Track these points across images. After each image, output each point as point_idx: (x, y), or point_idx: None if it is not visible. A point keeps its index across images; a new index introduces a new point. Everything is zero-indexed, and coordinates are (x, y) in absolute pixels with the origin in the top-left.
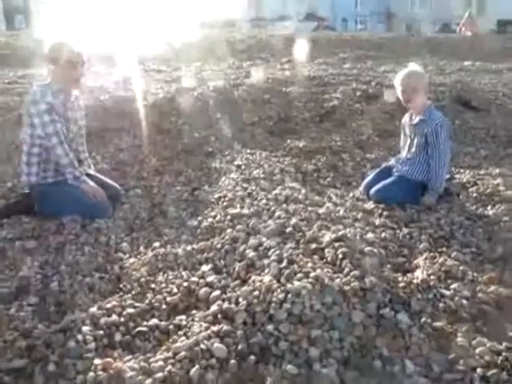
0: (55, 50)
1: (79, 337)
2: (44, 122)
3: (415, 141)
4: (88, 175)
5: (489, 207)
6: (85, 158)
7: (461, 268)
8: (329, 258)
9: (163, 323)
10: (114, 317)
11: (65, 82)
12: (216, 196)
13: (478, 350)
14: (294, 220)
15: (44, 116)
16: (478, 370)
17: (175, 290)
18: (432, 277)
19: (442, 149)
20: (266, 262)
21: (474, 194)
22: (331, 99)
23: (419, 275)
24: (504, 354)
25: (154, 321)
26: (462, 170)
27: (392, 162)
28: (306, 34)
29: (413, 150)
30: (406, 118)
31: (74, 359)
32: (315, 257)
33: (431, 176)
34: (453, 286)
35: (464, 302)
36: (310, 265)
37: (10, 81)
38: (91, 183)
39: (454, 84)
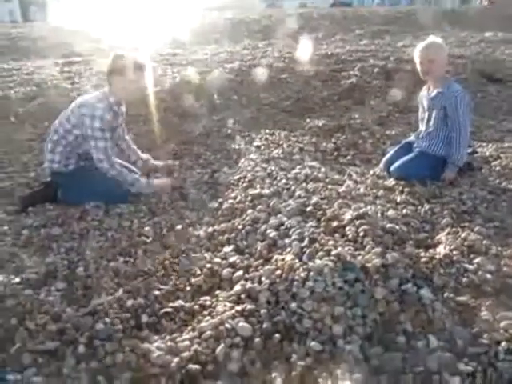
0: (122, 61)
1: (107, 319)
2: (95, 137)
3: (433, 114)
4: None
5: None
6: (129, 148)
7: (484, 242)
8: (350, 236)
9: (188, 304)
10: (140, 299)
11: (126, 93)
12: (236, 177)
13: (502, 324)
14: (314, 199)
15: (96, 132)
16: (503, 344)
17: (198, 272)
18: (455, 252)
19: (461, 122)
20: (287, 241)
21: (497, 168)
22: (349, 77)
23: (441, 250)
24: None
25: (179, 302)
26: (484, 144)
27: (412, 137)
28: (322, 11)
29: (431, 123)
30: (423, 91)
31: (102, 341)
32: (336, 235)
33: (451, 150)
34: (476, 261)
35: (488, 276)
36: (331, 243)
37: (28, 72)
38: (157, 180)
39: (475, 56)
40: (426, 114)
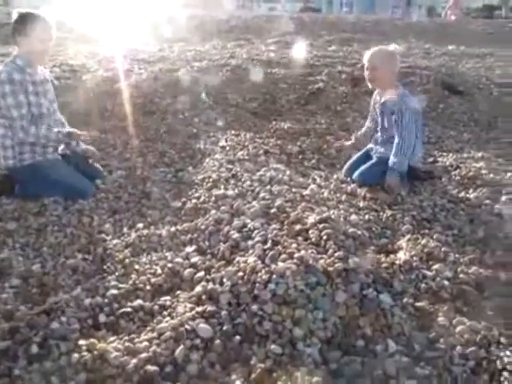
0: (23, 20)
1: (63, 318)
2: (8, 105)
3: (385, 121)
4: (66, 156)
5: (471, 190)
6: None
7: (443, 249)
8: (313, 239)
9: (147, 304)
10: (98, 298)
11: (32, 56)
12: (200, 177)
13: (458, 329)
14: (278, 201)
15: (8, 98)
16: (458, 348)
17: (159, 271)
18: (414, 258)
19: (406, 128)
20: (250, 243)
21: (457, 177)
22: (316, 81)
23: (402, 256)
24: (483, 332)
25: (139, 302)
26: (444, 154)
27: (370, 144)
28: (291, 15)
29: (385, 130)
30: (375, 97)
31: (57, 340)
32: (299, 238)
33: (392, 156)
34: (435, 267)
35: (445, 282)
36: (294, 246)
37: None
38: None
39: (438, 68)
40: (379, 120)
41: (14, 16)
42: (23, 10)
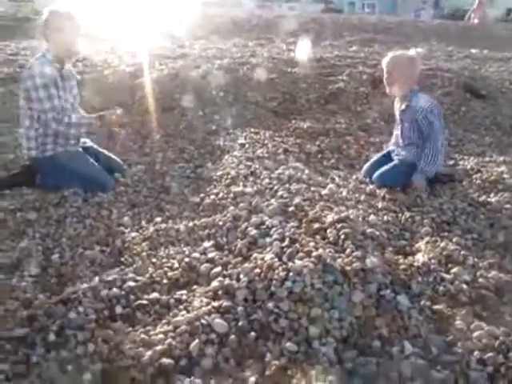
0: (54, 17)
1: (80, 308)
2: (40, 98)
3: (406, 126)
4: (86, 148)
5: (492, 194)
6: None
7: (462, 253)
8: (331, 239)
9: (164, 297)
10: (115, 290)
11: (61, 51)
12: (219, 174)
13: (475, 334)
14: (296, 200)
15: (40, 91)
16: (475, 353)
17: (176, 265)
18: (433, 260)
19: (434, 135)
20: (267, 240)
21: (478, 181)
22: (337, 81)
23: (420, 258)
24: (501, 338)
25: (155, 295)
26: (466, 157)
27: (392, 146)
28: (312, 15)
29: (405, 135)
30: (395, 104)
31: (74, 330)
32: (317, 237)
33: (423, 157)
34: (453, 271)
35: (464, 286)
36: (311, 244)
37: (13, 52)
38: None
39: (461, 71)
40: (400, 126)
41: (45, 13)
42: (54, 8)
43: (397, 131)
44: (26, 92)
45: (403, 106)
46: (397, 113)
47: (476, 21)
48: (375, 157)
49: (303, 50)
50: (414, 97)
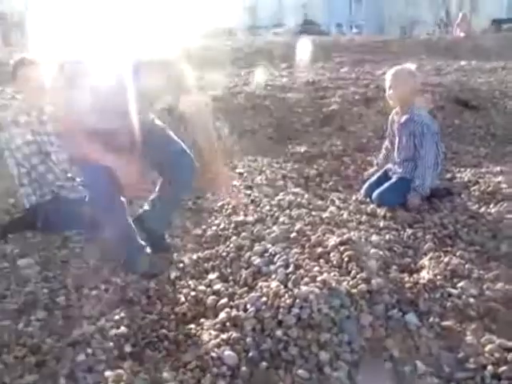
0: (13, 66)
1: (89, 350)
2: (18, 146)
3: (404, 140)
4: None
5: (491, 205)
6: None
7: (466, 266)
8: (334, 262)
9: (172, 333)
10: (123, 328)
11: (31, 98)
12: (219, 204)
13: (487, 348)
14: (298, 225)
15: (16, 140)
16: (489, 368)
17: (183, 299)
18: (438, 276)
19: (427, 151)
20: (272, 268)
21: (476, 193)
22: (330, 104)
23: (425, 275)
24: None
25: (163, 331)
26: (462, 169)
27: (389, 164)
28: (301, 39)
29: (403, 150)
30: (393, 117)
31: (84, 372)
32: (321, 261)
33: (415, 176)
34: (459, 285)
35: (471, 300)
36: (316, 269)
37: (10, 97)
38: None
39: (451, 84)
40: (397, 140)
41: (11, 65)
42: (18, 58)
43: (387, 145)
44: (5, 143)
45: (403, 119)
46: (395, 126)
47: (462, 34)
48: (374, 176)
49: (294, 75)
50: (415, 110)
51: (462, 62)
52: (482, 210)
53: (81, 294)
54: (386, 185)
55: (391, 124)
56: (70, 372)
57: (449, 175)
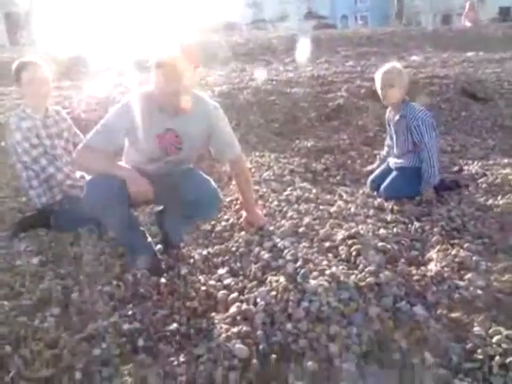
0: (15, 70)
1: (103, 344)
2: (26, 149)
3: (401, 137)
4: None
5: (499, 197)
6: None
7: (474, 258)
8: (343, 256)
9: (184, 327)
10: (136, 323)
11: (34, 101)
12: (228, 200)
13: (494, 339)
14: (306, 220)
15: (23, 143)
16: (497, 358)
17: (194, 294)
18: (446, 268)
19: (428, 144)
20: (281, 262)
21: (484, 185)
22: (336, 98)
23: (433, 268)
24: None
25: (175, 325)
26: (470, 162)
27: (389, 158)
28: (306, 33)
29: (401, 146)
30: (388, 115)
31: (99, 366)
32: (329, 255)
33: (424, 170)
34: (467, 277)
35: (479, 291)
36: (324, 263)
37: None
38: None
39: (458, 76)
40: (394, 137)
41: (14, 67)
42: (20, 60)
43: (388, 141)
44: (12, 148)
45: (397, 117)
46: (390, 123)
47: (468, 24)
48: (378, 169)
49: (301, 69)
50: (407, 107)
51: (469, 53)
52: (490, 202)
53: (94, 290)
54: (389, 179)
55: (388, 122)
56: (85, 366)
57: (456, 168)
